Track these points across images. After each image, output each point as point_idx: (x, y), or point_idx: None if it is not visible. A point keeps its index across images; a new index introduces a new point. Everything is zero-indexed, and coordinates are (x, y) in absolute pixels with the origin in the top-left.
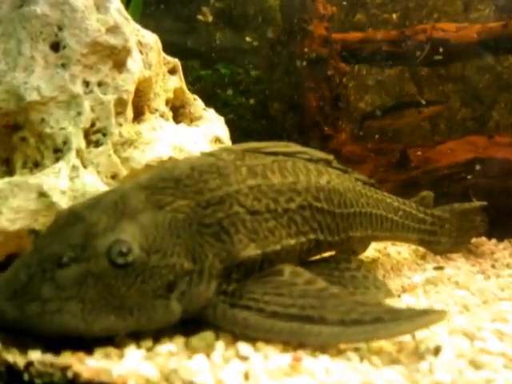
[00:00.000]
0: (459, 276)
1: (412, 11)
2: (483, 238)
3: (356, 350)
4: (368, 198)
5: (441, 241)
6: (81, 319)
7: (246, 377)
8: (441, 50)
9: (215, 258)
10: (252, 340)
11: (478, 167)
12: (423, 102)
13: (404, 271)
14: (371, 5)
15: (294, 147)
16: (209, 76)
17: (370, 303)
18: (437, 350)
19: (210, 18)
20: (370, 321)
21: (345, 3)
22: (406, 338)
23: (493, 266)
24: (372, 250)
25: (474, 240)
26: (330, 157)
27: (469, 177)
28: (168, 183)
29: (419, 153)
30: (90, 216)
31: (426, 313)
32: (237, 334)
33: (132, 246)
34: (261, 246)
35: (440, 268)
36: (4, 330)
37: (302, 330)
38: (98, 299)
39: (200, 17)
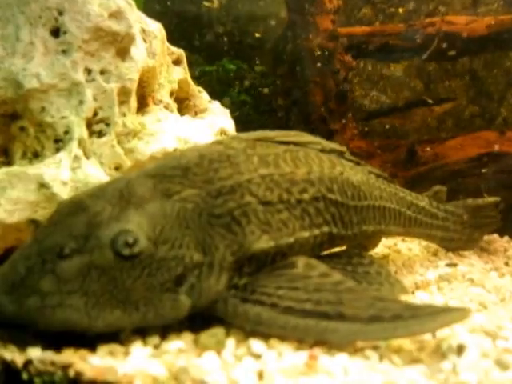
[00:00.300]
0: (473, 273)
1: (419, 5)
2: (495, 236)
3: (375, 348)
4: (381, 192)
5: (454, 237)
6: (84, 314)
7: (260, 376)
8: (450, 43)
9: (226, 249)
10: (265, 337)
11: (488, 162)
12: (430, 101)
13: (416, 268)
14: None
15: (306, 137)
16: (214, 72)
17: (388, 299)
18: (460, 349)
19: (216, 4)
20: (389, 318)
21: None
22: (427, 336)
23: (506, 264)
24: (381, 247)
25: (485, 237)
26: (343, 148)
27: (480, 172)
28: (176, 171)
29: (428, 148)
30: (94, 205)
31: (447, 310)
32: (249, 330)
33: (138, 236)
34: (274, 237)
35: (453, 265)
36: (2, 325)
37: (317, 327)
38: (102, 293)
39: (206, 3)
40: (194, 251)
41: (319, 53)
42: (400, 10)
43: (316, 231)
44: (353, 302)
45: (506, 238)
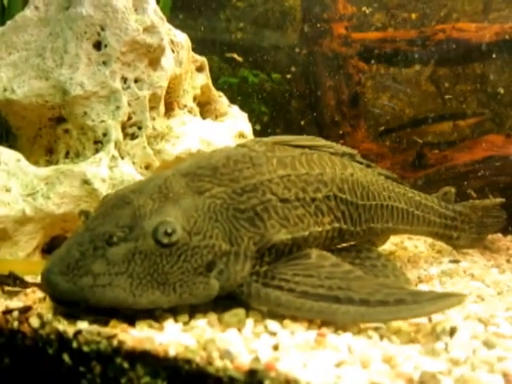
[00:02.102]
0: (474, 269)
1: (431, 11)
2: (499, 235)
3: (376, 329)
4: (390, 192)
5: (461, 236)
6: (129, 293)
7: (276, 348)
8: (460, 50)
9: (250, 240)
10: (279, 318)
11: (494, 165)
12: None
13: (420, 263)
14: (390, 4)
15: (321, 141)
16: (236, 84)
17: (393, 286)
18: (452, 331)
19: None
20: (393, 302)
21: (364, 2)
22: (423, 320)
23: (508, 261)
24: (389, 244)
25: (489, 236)
26: (354, 151)
27: (486, 174)
28: (206, 171)
29: (436, 151)
30: (137, 199)
31: (446, 295)
32: (266, 311)
33: (176, 227)
34: (291, 231)
35: (456, 261)
36: (57, 301)
37: (330, 309)
38: (144, 275)
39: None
40: (222, 241)
41: (333, 58)
42: (413, 16)
43: (328, 227)
44: (361, 288)
45: (510, 237)
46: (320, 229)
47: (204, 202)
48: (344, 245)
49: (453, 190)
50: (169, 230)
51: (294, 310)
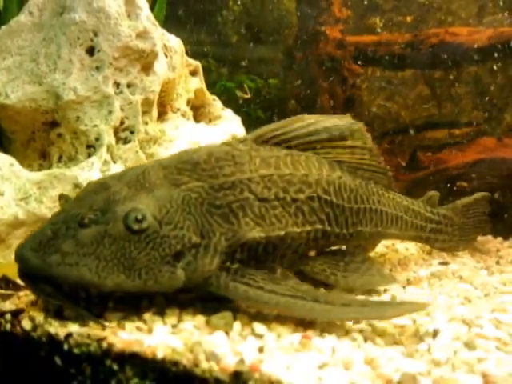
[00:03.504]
0: (463, 271)
1: (426, 14)
2: (489, 237)
3: (361, 331)
4: (379, 196)
5: (446, 238)
6: (95, 273)
7: (261, 350)
8: (453, 53)
9: (222, 236)
10: (266, 321)
11: (486, 167)
12: None
13: (410, 266)
14: (385, 8)
15: (308, 119)
16: (233, 88)
17: (357, 299)
18: (435, 333)
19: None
20: (358, 304)
21: (359, 6)
22: (408, 322)
23: (497, 263)
24: (380, 246)
25: (479, 238)
26: (358, 123)
27: (478, 177)
28: (186, 165)
29: (429, 154)
30: (114, 185)
31: (409, 303)
32: (254, 314)
33: (146, 214)
34: (265, 230)
35: (445, 263)
36: (26, 276)
37: (296, 305)
38: (111, 258)
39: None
40: (192, 234)
41: (328, 61)
42: (408, 19)
43: (308, 228)
44: (326, 296)
45: (500, 238)
46: (299, 230)
47: (179, 194)
48: (333, 248)
49: (437, 194)
50: (139, 217)
51: (262, 303)
